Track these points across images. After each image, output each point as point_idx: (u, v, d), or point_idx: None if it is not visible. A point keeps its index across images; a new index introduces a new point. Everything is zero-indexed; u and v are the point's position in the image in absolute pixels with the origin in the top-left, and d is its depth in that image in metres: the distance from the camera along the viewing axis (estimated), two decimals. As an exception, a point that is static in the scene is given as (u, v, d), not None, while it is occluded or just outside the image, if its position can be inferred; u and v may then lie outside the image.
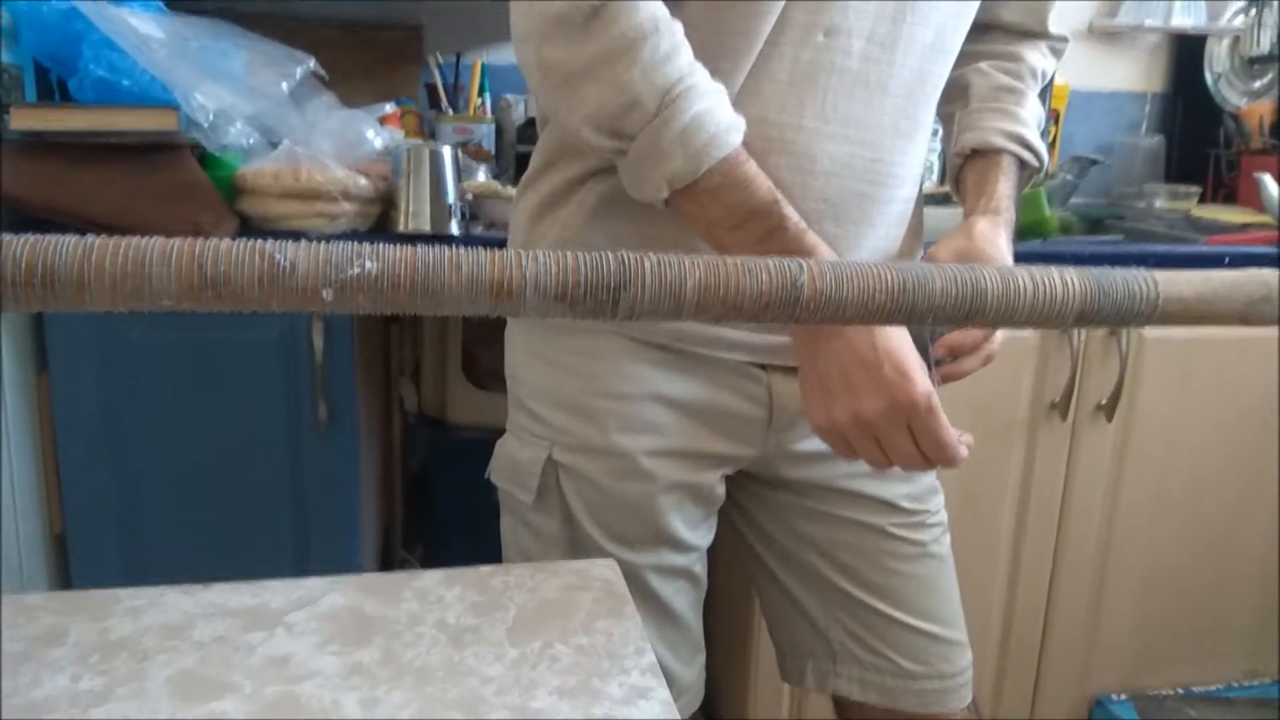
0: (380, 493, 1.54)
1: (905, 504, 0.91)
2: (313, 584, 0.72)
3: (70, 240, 0.41)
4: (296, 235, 1.13)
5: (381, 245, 0.43)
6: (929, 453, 0.74)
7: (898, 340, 0.74)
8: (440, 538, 1.61)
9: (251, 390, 1.16)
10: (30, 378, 1.15)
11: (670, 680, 0.91)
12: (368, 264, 0.45)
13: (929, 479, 0.93)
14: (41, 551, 1.20)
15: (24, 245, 0.43)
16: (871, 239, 0.83)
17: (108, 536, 1.17)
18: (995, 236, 0.83)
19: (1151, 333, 1.35)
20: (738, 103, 0.75)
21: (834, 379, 0.75)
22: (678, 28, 0.71)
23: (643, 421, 0.85)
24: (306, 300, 0.45)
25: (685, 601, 0.92)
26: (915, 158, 0.85)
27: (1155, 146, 2.02)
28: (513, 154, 1.61)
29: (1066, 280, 0.54)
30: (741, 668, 1.37)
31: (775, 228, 0.72)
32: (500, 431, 1.54)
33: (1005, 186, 0.87)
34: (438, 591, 0.72)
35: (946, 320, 0.53)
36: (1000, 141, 0.88)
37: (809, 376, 0.77)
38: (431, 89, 1.67)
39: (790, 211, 0.73)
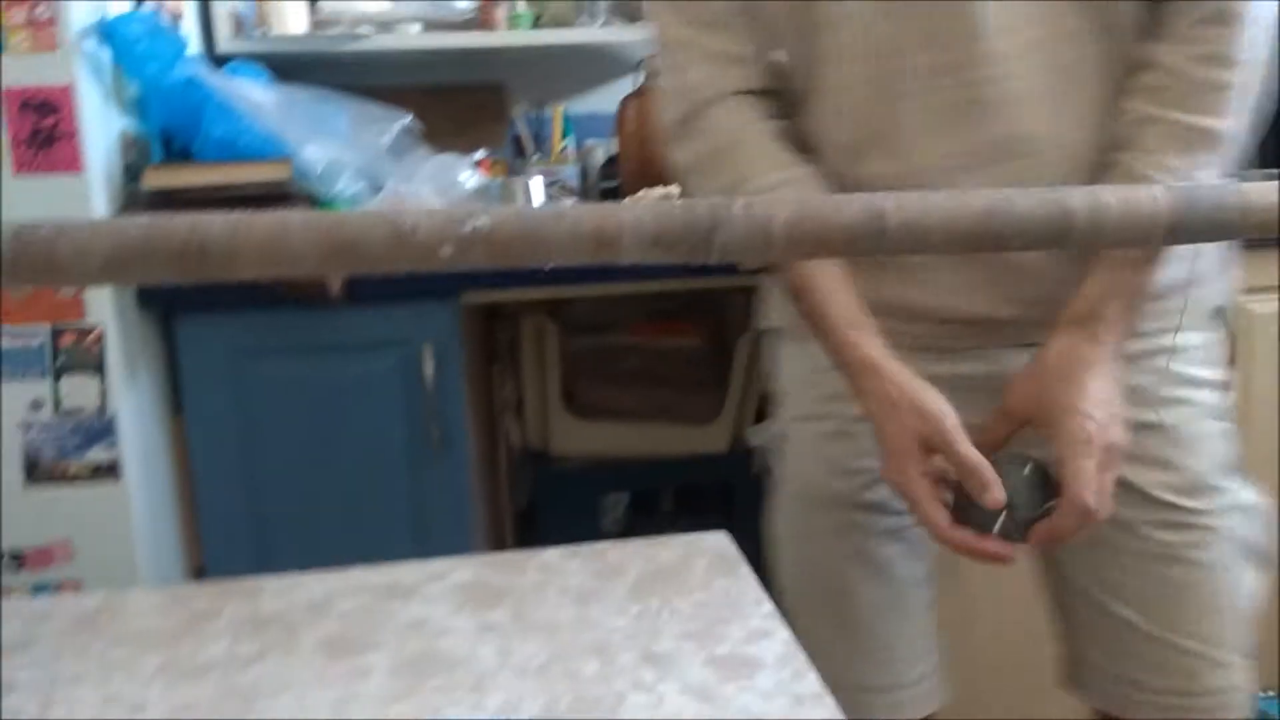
0: (489, 527, 1.59)
1: (1162, 495, 0.79)
2: (440, 563, 0.76)
3: (220, 216, 0.47)
4: (402, 269, 1.19)
5: (493, 206, 0.48)
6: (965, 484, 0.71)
7: (891, 403, 0.73)
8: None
9: (372, 419, 1.23)
10: (167, 420, 1.24)
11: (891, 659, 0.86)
12: (482, 221, 0.50)
13: (1202, 465, 0.80)
14: (182, 584, 1.27)
15: (181, 221, 0.48)
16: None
17: (245, 566, 1.23)
18: (1076, 357, 0.72)
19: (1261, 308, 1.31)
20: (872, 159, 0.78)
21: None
22: (755, 135, 0.79)
23: None
24: (429, 257, 0.50)
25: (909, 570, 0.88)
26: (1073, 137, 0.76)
27: None
28: (597, 191, 1.67)
29: (1154, 195, 0.55)
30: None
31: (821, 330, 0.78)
32: (603, 459, 1.57)
33: (1104, 283, 0.73)
34: (559, 564, 0.75)
35: (1035, 243, 0.55)
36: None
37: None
38: (517, 140, 1.76)
39: (832, 319, 0.76)
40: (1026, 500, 0.70)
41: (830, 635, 0.86)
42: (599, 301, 1.72)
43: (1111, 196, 0.55)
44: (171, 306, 1.21)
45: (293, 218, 0.49)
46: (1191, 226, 0.55)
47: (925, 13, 0.74)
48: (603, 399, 1.67)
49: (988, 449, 0.73)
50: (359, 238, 0.49)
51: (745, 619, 0.64)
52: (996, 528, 0.69)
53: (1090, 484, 0.68)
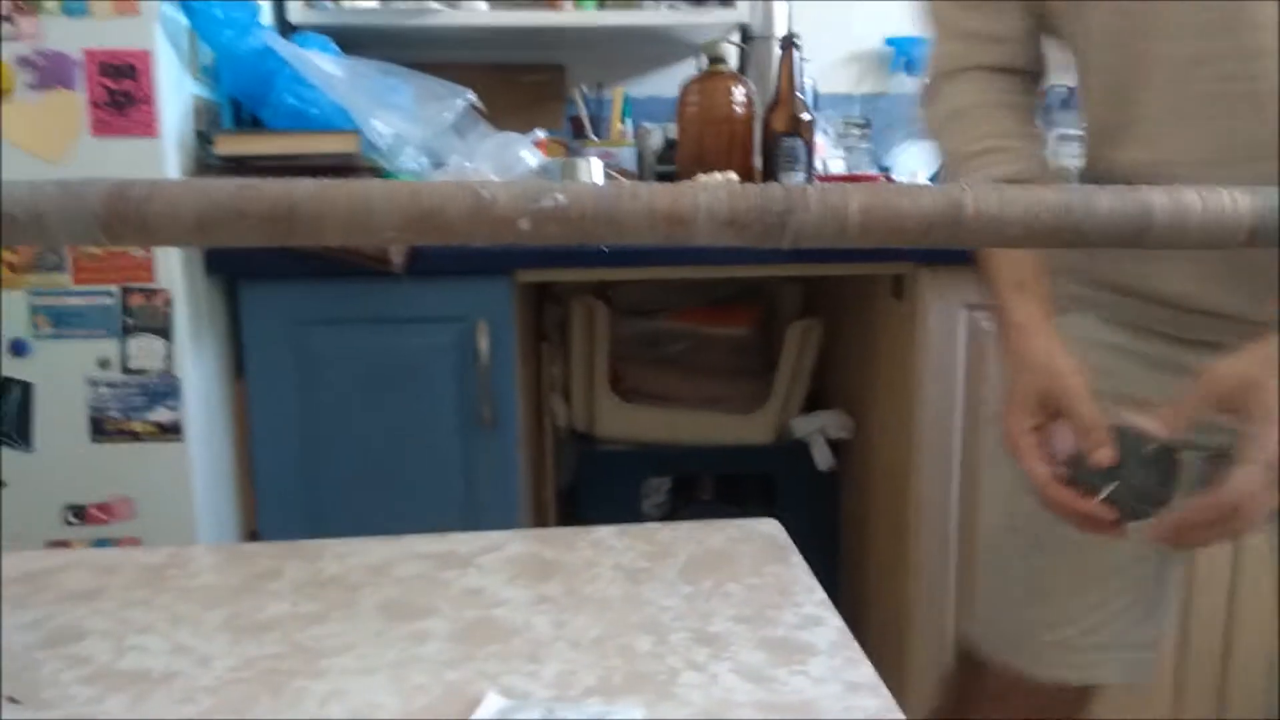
0: (535, 505, 1.60)
1: None
2: (495, 535, 0.77)
3: (309, 181, 0.48)
4: (461, 246, 1.20)
5: (569, 183, 0.48)
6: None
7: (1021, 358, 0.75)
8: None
9: (426, 392, 1.24)
10: (229, 384, 1.27)
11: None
12: (559, 196, 0.50)
13: None
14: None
15: (272, 185, 0.49)
16: None
17: (297, 531, 1.26)
18: None
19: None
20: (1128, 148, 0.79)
21: None
22: (983, 107, 0.84)
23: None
24: (506, 231, 0.51)
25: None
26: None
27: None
28: (653, 175, 1.67)
29: (1235, 198, 0.54)
30: (899, 678, 1.35)
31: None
32: (647, 443, 1.58)
33: None
34: (610, 542, 0.75)
35: (1115, 242, 0.54)
36: None
37: None
38: (576, 122, 1.76)
39: (1001, 279, 0.80)
40: (1140, 476, 0.69)
41: (1017, 581, 0.89)
42: (649, 285, 1.73)
43: (1195, 198, 0.55)
44: (237, 273, 1.24)
45: (376, 185, 0.50)
46: (1273, 231, 0.55)
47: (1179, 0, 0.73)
48: (649, 383, 1.68)
49: (1172, 427, 0.70)
50: (441, 207, 0.50)
51: (797, 605, 0.64)
52: (1103, 494, 0.69)
53: (1247, 490, 0.65)
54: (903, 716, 0.51)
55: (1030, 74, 0.87)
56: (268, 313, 1.22)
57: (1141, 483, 0.68)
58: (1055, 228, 0.55)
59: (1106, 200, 0.56)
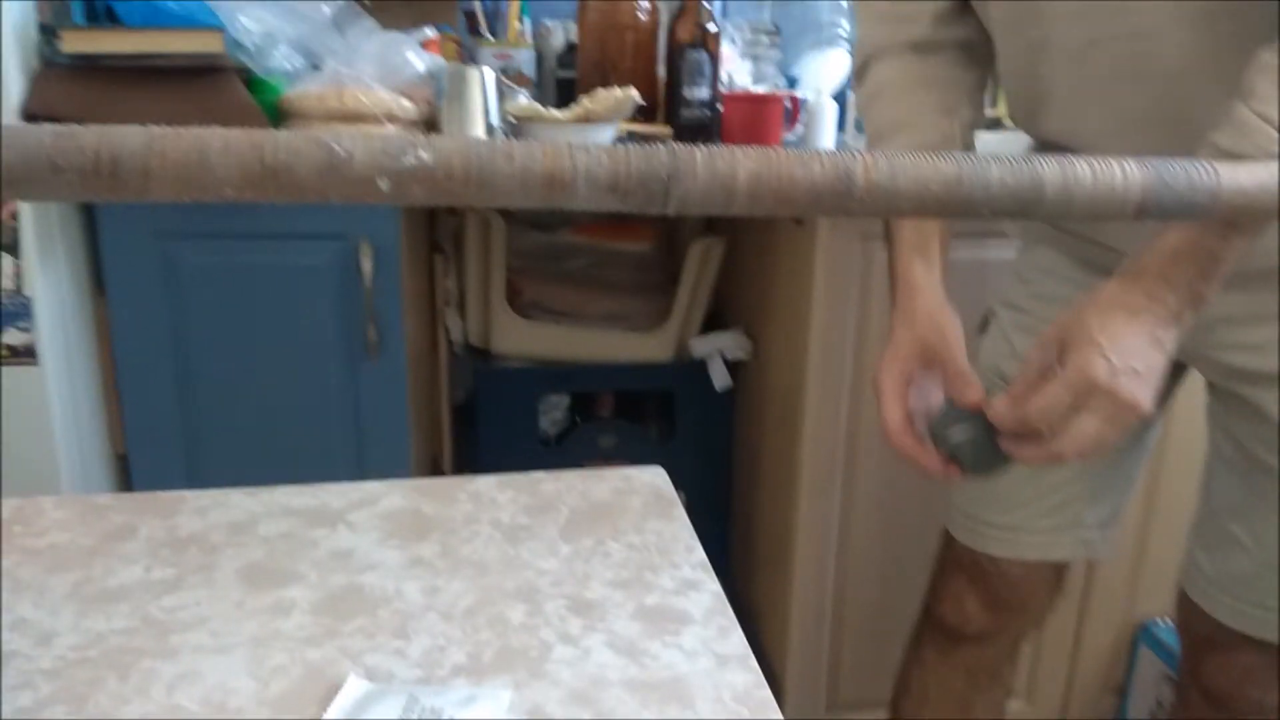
0: (428, 422, 1.57)
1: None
2: (370, 487, 0.74)
3: (135, 130, 0.42)
4: (343, 158, 1.13)
5: (436, 137, 0.43)
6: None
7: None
8: (487, 467, 1.63)
9: (306, 314, 1.18)
10: (88, 301, 1.18)
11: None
12: (423, 154, 0.46)
13: None
14: (104, 471, 1.24)
15: (91, 134, 0.43)
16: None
17: (169, 455, 1.20)
18: (1121, 301, 0.67)
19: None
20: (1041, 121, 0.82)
21: None
22: (893, 88, 0.86)
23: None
24: (364, 191, 0.46)
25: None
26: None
27: None
28: (553, 80, 1.60)
29: (1126, 170, 0.53)
30: (784, 592, 1.39)
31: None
32: (543, 360, 1.55)
33: (1179, 242, 0.66)
34: (491, 494, 0.73)
35: (1005, 212, 0.52)
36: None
37: None
38: (470, 16, 1.66)
39: (901, 239, 0.83)
40: (981, 440, 0.72)
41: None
42: (549, 196, 1.66)
43: (1085, 170, 0.53)
44: (92, 181, 1.13)
45: (214, 136, 0.45)
46: (1162, 204, 0.53)
47: None
48: (548, 299, 1.64)
49: (1026, 381, 0.70)
50: (288, 163, 0.45)
51: (676, 567, 0.64)
52: (942, 445, 0.74)
53: (1027, 399, 0.67)
54: (767, 692, 0.51)
55: (964, 47, 0.87)
56: (128, 226, 1.14)
57: (980, 447, 0.73)
58: (945, 199, 0.52)
59: (997, 172, 0.53)
